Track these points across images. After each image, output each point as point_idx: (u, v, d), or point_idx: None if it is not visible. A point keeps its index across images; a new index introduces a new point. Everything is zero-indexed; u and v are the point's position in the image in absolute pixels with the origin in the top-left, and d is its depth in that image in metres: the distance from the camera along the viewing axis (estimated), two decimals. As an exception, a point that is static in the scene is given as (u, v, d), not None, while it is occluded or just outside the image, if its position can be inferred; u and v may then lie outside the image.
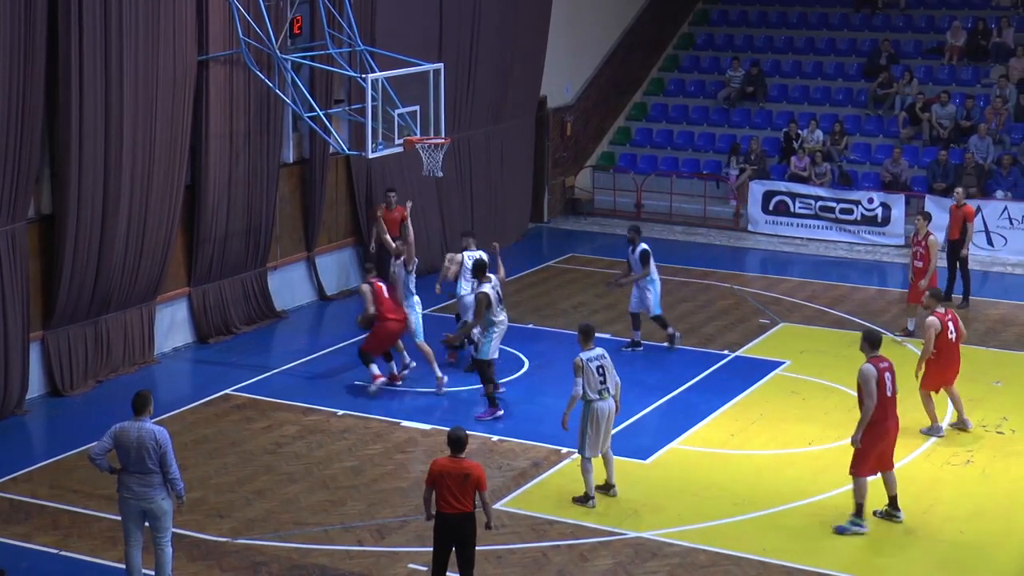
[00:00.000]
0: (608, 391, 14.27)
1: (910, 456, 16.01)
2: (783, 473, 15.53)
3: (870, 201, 27.85)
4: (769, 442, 16.48)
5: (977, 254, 26.51)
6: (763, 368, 19.22)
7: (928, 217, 21.36)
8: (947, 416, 17.04)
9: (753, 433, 16.79)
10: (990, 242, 26.77)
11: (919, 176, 28.42)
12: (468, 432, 12.16)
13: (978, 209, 24.99)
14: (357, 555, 13.30)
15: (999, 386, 18.54)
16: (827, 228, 28.05)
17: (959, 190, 23.55)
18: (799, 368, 19.30)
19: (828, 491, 14.95)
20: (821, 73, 32.15)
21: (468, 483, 11.69)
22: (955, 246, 22.95)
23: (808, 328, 21.42)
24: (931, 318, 16.76)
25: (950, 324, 16.75)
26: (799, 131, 29.75)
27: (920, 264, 20.60)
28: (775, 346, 20.35)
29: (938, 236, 21.13)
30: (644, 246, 19.90)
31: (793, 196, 28.42)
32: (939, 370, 16.76)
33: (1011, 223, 26.67)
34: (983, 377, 18.80)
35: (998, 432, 16.83)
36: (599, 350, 14.40)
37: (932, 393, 16.78)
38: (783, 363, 19.47)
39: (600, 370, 14.22)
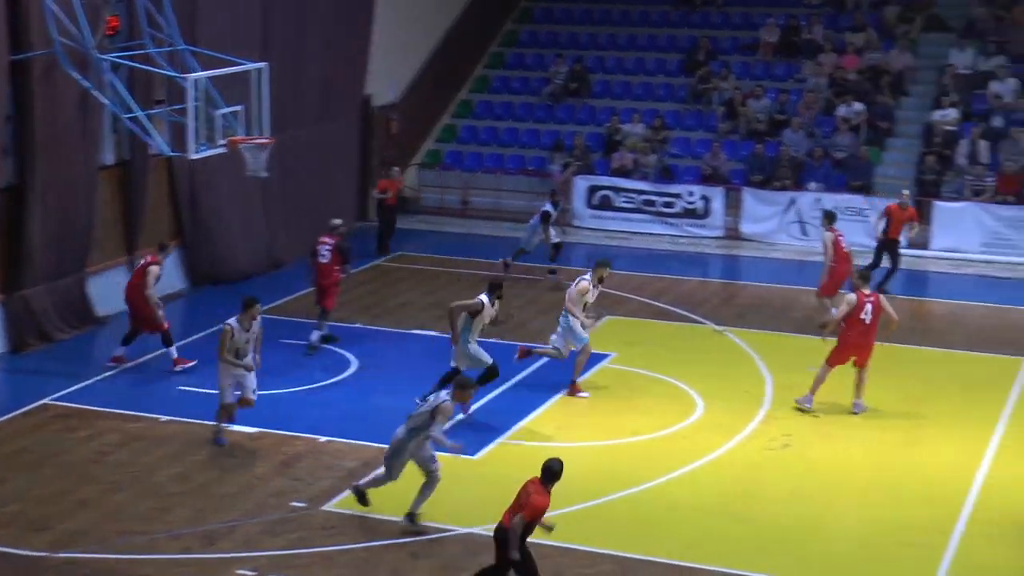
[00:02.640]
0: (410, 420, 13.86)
1: (730, 442, 16.45)
2: (610, 464, 15.81)
3: (691, 194, 28.48)
4: (596, 434, 16.75)
5: (792, 244, 27.35)
6: (590, 361, 19.50)
7: (830, 217, 21.81)
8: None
9: (580, 425, 17.05)
10: (804, 232, 27.59)
11: (737, 169, 29.15)
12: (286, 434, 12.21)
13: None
14: (185, 563, 13.13)
15: (813, 371, 19.15)
16: (650, 221, 28.59)
17: (906, 192, 24.29)
18: (626, 360, 19.65)
19: (653, 479, 15.27)
20: (643, 69, 32.72)
21: (518, 501, 11.79)
22: (892, 243, 23.61)
23: (634, 320, 21.82)
24: (851, 295, 17.50)
25: (868, 306, 17.32)
26: (620, 126, 30.26)
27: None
28: (602, 339, 20.64)
29: (830, 235, 21.27)
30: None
31: (617, 190, 28.89)
32: (845, 348, 17.47)
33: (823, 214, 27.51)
34: (798, 363, 19.41)
35: (813, 415, 17.39)
36: (440, 394, 13.78)
37: (836, 367, 17.54)
38: (610, 355, 19.80)
39: (422, 402, 13.94)
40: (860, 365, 17.60)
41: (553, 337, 18.46)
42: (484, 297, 17.26)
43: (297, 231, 24.81)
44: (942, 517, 14.29)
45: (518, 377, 18.73)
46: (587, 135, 30.45)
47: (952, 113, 28.80)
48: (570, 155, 29.87)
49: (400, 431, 13.78)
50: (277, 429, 16.57)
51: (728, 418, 17.24)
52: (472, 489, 15.00)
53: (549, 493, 11.79)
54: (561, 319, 18.37)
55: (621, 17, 34.13)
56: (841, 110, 29.46)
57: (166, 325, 19.09)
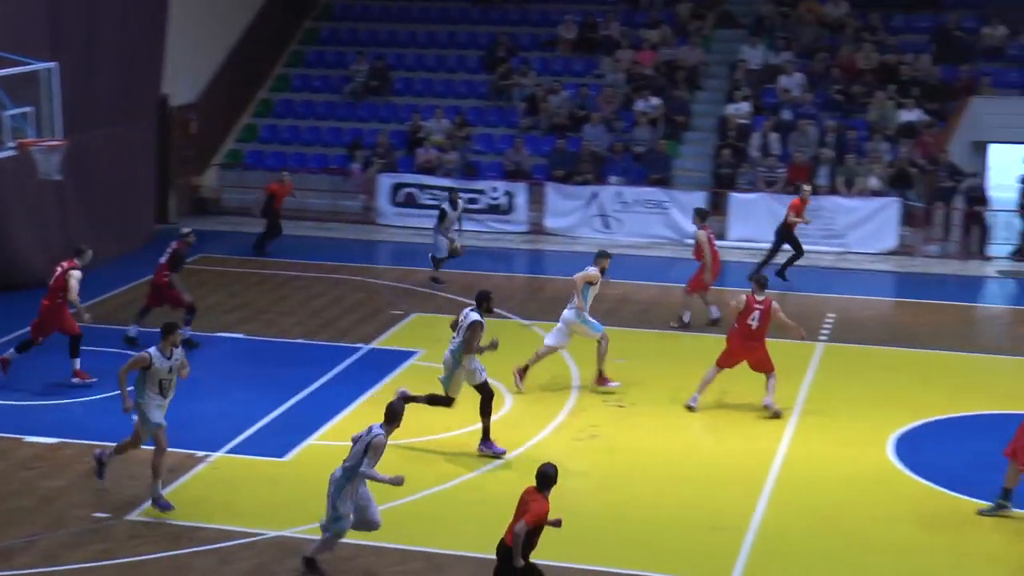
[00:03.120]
0: (345, 463, 12.66)
1: (539, 435, 16.64)
2: (420, 460, 15.82)
3: (495, 190, 28.69)
4: (407, 431, 16.72)
5: (595, 237, 27.76)
6: (398, 358, 19.51)
7: (701, 214, 21.82)
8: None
9: (389, 423, 17.02)
10: (607, 226, 28.06)
11: (540, 164, 29.48)
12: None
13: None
14: (-18, 580, 12.69)
15: (620, 363, 19.47)
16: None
17: (807, 188, 24.90)
18: (434, 356, 19.66)
19: (463, 475, 15.35)
20: (443, 66, 32.83)
21: (519, 514, 11.41)
22: (788, 229, 24.19)
23: (441, 317, 21.85)
24: (742, 296, 17.40)
25: (756, 312, 17.21)
26: (422, 123, 30.30)
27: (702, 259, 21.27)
28: (409, 336, 20.69)
29: (704, 233, 21.32)
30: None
31: (421, 187, 28.93)
32: (730, 351, 17.46)
33: (625, 207, 28.03)
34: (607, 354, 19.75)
35: (619, 406, 17.70)
36: (375, 428, 12.63)
37: (727, 369, 17.58)
38: (417, 352, 19.81)
39: (355, 443, 12.69)
40: (757, 370, 17.47)
41: (548, 337, 18.62)
42: (476, 315, 16.04)
43: (95, 234, 24.14)
44: (744, 499, 14.69)
45: (327, 376, 18.59)
46: (390, 133, 30.40)
47: (744, 107, 29.64)
48: (373, 153, 29.78)
49: (336, 472, 12.64)
50: (78, 439, 16.12)
51: (536, 411, 17.43)
52: (281, 491, 14.85)
53: (547, 499, 11.44)
54: (567, 313, 18.32)
55: (420, 14, 34.18)
56: (639, 105, 30.05)
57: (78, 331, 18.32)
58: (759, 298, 17.40)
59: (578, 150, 29.16)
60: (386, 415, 12.70)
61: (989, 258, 27.31)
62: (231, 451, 15.97)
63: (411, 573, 12.95)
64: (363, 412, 17.40)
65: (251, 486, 15.03)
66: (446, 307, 22.43)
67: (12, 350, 18.50)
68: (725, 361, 17.60)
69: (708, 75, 31.47)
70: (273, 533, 13.73)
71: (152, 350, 14.22)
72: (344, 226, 28.61)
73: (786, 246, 24.51)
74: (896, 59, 30.17)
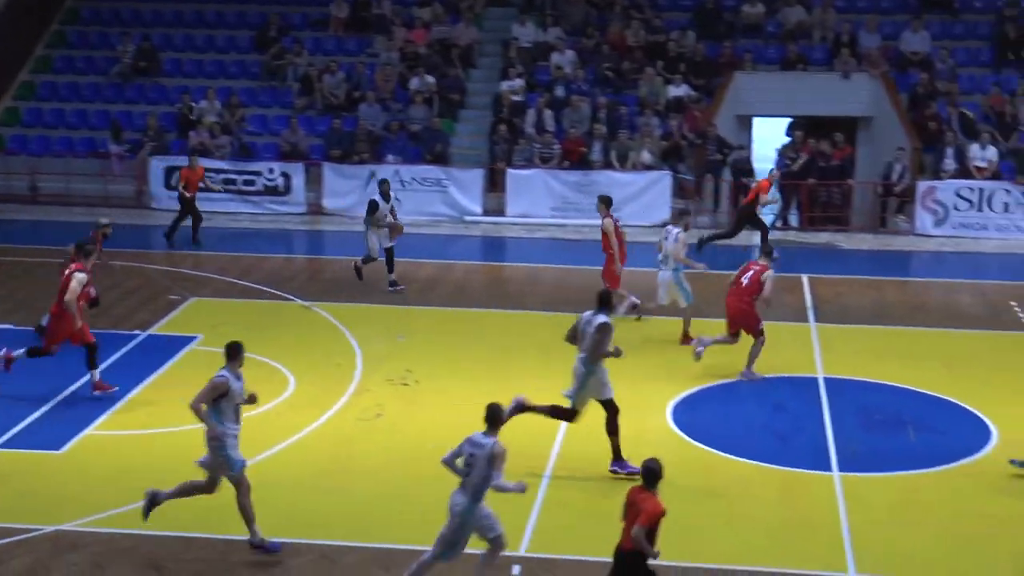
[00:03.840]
0: (466, 485, 11.72)
1: (323, 416, 16.54)
2: (202, 448, 15.50)
3: (271, 171, 28.32)
4: (192, 417, 16.38)
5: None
6: (176, 344, 19.12)
7: (606, 202, 21.07)
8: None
9: (170, 411, 16.65)
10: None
11: (316, 144, 29.23)
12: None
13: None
14: None
15: (402, 340, 19.50)
16: (231, 200, 28.22)
17: (775, 171, 25.40)
18: (212, 342, 19.34)
19: (248, 459, 15.11)
20: (213, 46, 32.21)
21: (634, 514, 10.87)
22: (751, 210, 24.56)
23: (220, 301, 21.51)
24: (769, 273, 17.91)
25: (748, 273, 17.97)
26: (193, 104, 29.68)
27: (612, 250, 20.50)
28: (187, 321, 20.29)
29: (610, 221, 20.60)
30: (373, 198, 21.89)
31: (194, 170, 28.33)
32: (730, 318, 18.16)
33: (403, 185, 28.03)
34: (387, 333, 19.75)
35: (403, 384, 17.72)
36: (484, 439, 11.71)
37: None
38: (196, 337, 19.45)
39: (471, 458, 11.73)
40: (748, 332, 17.98)
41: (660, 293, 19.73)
42: (603, 317, 14.73)
43: None
44: (531, 468, 14.87)
45: (105, 364, 18.06)
46: (160, 115, 29.68)
47: (518, 84, 29.95)
48: (144, 135, 29.04)
49: (459, 499, 11.71)
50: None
51: (320, 393, 17.31)
52: (58, 485, 14.41)
53: (656, 495, 10.95)
54: (671, 275, 19.48)
55: (186, -7, 33.45)
56: (414, 83, 30.05)
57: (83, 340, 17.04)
58: (760, 263, 18.12)
59: (354, 129, 29.00)
60: (489, 419, 11.74)
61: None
62: (2, 445, 15.40)
63: (198, 560, 12.71)
64: (143, 399, 17.00)
65: (24, 480, 14.53)
66: (225, 291, 22.08)
67: (23, 351, 17.30)
68: (734, 324, 18.15)
69: (482, 53, 31.68)
70: (50, 528, 13.31)
71: (226, 373, 12.67)
72: (115, 210, 27.79)
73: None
74: (663, 36, 30.90)
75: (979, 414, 16.83)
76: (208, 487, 12.91)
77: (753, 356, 18.05)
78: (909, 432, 16.32)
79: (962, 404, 17.21)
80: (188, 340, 19.31)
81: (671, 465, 15.06)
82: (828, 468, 15.01)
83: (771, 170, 25.81)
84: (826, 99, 29.44)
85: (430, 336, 19.87)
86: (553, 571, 12.54)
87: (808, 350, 19.47)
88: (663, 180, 28.03)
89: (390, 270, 22.06)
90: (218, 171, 28.20)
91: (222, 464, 12.68)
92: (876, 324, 20.94)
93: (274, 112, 30.53)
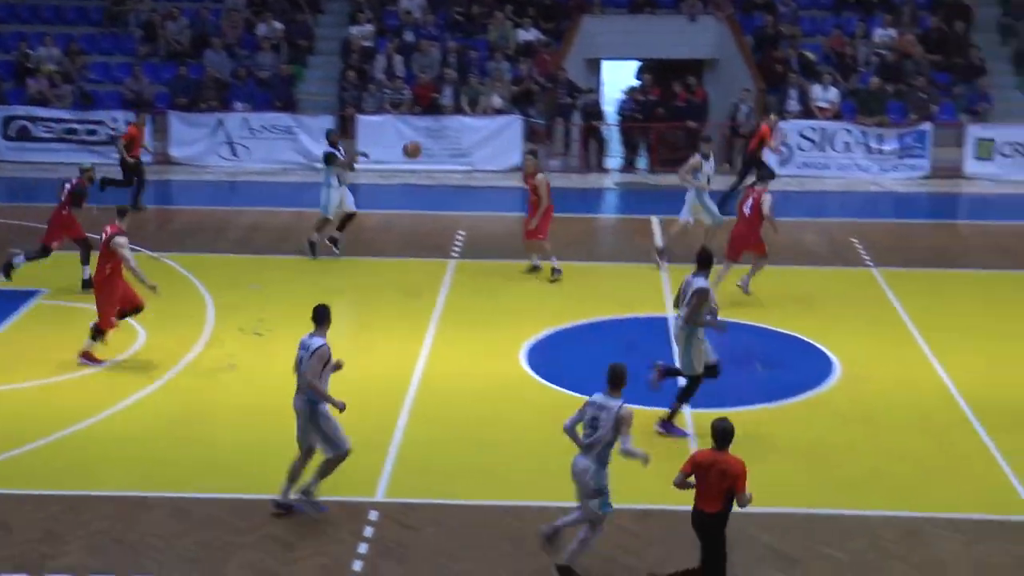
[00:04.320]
0: (590, 445, 11.39)
1: (176, 367, 16.35)
2: (53, 402, 15.25)
3: (114, 120, 27.70)
4: (36, 372, 16.09)
5: (223, 165, 27.37)
6: (20, 299, 18.68)
7: (535, 154, 21.12)
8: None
9: (18, 365, 16.32)
10: (234, 153, 27.63)
11: (161, 92, 28.64)
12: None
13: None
14: None
15: (256, 289, 19.32)
16: (74, 151, 27.53)
17: (773, 116, 25.28)
18: (60, 295, 18.98)
19: (100, 413, 14.90)
20: (50, -9, 31.30)
21: (724, 480, 10.59)
22: (755, 156, 24.42)
23: (65, 255, 21.02)
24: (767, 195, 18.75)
25: (749, 201, 18.79)
26: (30, 51, 28.85)
27: (533, 199, 20.17)
28: (31, 275, 19.79)
29: (543, 176, 20.35)
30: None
31: (34, 120, 27.62)
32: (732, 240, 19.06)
33: (252, 133, 27.67)
34: (238, 282, 19.57)
35: (256, 334, 17.57)
36: (609, 401, 11.39)
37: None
38: (41, 292, 19.04)
39: (594, 421, 11.40)
40: (755, 253, 19.01)
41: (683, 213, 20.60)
42: (702, 280, 14.36)
43: None
44: (385, 417, 14.92)
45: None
46: (-4, 63, 28.81)
47: (367, 29, 29.68)
48: (-21, 85, 28.19)
49: (584, 463, 11.35)
50: None
51: (172, 344, 17.09)
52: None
53: (730, 453, 10.72)
54: (692, 194, 20.50)
55: (22, -64, 32.37)
56: (261, 29, 29.59)
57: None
58: (757, 188, 19.05)
59: (200, 77, 28.48)
60: (612, 380, 11.41)
61: (607, 170, 28.58)
62: None
63: (50, 518, 12.50)
64: (-14, 357, 16.63)
65: None
66: (71, 244, 21.57)
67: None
68: (736, 250, 18.98)
69: (329, -2, 31.31)
70: None
71: (324, 340, 12.29)
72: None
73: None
74: (512, -21, 30.86)
75: (823, 348, 17.32)
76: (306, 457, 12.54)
77: (755, 270, 19.01)
78: (757, 368, 16.72)
79: (807, 339, 17.68)
80: (32, 294, 18.88)
81: (527, 408, 15.32)
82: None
83: (770, 115, 25.51)
84: (673, 42, 29.78)
85: (283, 285, 19.71)
86: (411, 516, 12.61)
87: (658, 290, 19.78)
88: (514, 124, 28.10)
89: (340, 228, 21.29)
90: (59, 120, 27.48)
91: (331, 436, 12.34)
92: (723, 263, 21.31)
93: (117, 59, 29.81)
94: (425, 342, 17.46)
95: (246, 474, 13.51)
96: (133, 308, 16.48)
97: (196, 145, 27.71)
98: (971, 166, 27.65)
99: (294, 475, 12.51)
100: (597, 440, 11.22)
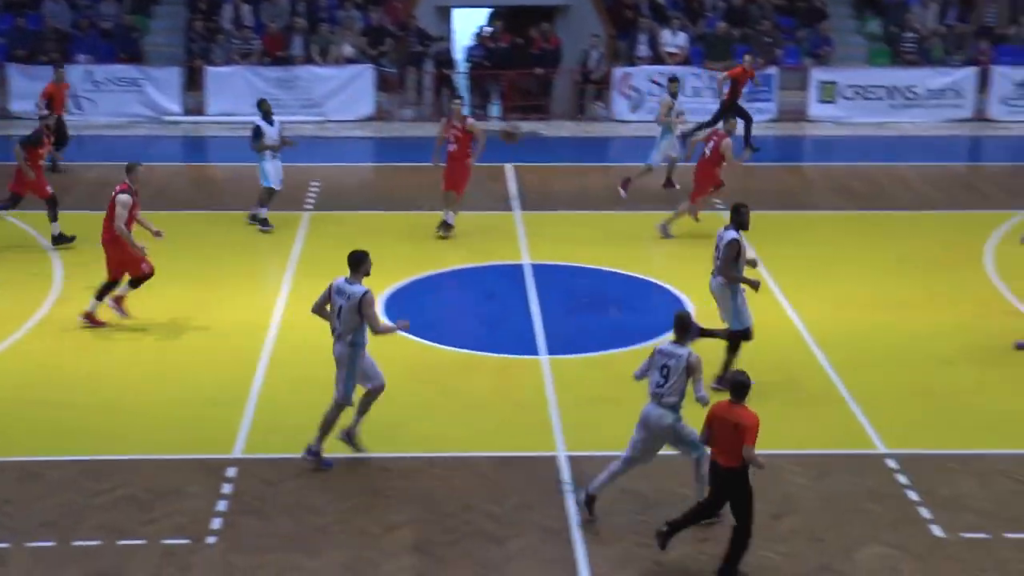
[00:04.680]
0: (663, 397, 11.38)
1: (23, 328, 16.00)
2: None
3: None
4: None
5: (67, 119, 26.64)
6: None
7: (460, 99, 20.95)
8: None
9: None
10: (79, 107, 26.93)
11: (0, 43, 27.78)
12: None
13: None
14: None
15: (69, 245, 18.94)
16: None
17: (748, 56, 25.20)
18: None
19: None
20: None
21: (737, 434, 10.50)
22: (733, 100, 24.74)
23: None
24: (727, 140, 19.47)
25: (710, 143, 19.59)
26: None
27: (455, 148, 19.56)
28: None
29: (475, 121, 20.20)
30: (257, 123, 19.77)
31: None
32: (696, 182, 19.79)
33: (96, 86, 27.00)
34: (89, 239, 19.15)
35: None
36: (677, 349, 11.41)
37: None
38: None
39: (664, 370, 11.41)
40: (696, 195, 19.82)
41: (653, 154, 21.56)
42: (732, 232, 14.31)
43: None
44: (241, 371, 14.79)
45: None
46: None
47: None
48: None
49: (657, 412, 11.37)
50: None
51: (18, 305, 16.68)
52: None
53: (747, 407, 10.72)
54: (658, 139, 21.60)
55: None
56: (100, -21, 28.85)
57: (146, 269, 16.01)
58: (720, 131, 19.74)
59: (40, 28, 27.64)
60: (680, 328, 11.49)
61: (460, 119, 28.49)
62: None
63: None
64: None
65: None
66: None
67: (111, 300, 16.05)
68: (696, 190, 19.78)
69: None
70: None
71: (365, 287, 12.29)
72: None
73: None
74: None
75: (675, 291, 17.60)
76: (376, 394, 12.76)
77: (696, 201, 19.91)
78: (612, 312, 16.94)
79: (660, 282, 17.95)
80: None
81: (385, 359, 15.29)
82: (536, 352, 15.45)
83: (744, 56, 25.32)
84: (525, -12, 29.77)
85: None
86: (271, 471, 12.54)
87: (514, 238, 19.88)
88: (365, 74, 27.87)
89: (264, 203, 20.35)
90: None
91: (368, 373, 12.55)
92: (579, 210, 21.53)
93: (-50, 10, 28.82)
94: (281, 295, 17.31)
95: (98, 435, 13.29)
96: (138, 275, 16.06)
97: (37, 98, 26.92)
98: (815, 109, 28.22)
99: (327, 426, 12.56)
100: (670, 389, 11.34)
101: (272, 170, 19.90)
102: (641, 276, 18.25)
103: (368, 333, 12.37)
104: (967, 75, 28.24)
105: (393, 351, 15.53)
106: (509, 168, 23.83)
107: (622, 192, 21.36)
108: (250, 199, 21.78)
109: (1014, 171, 24.27)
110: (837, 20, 29.86)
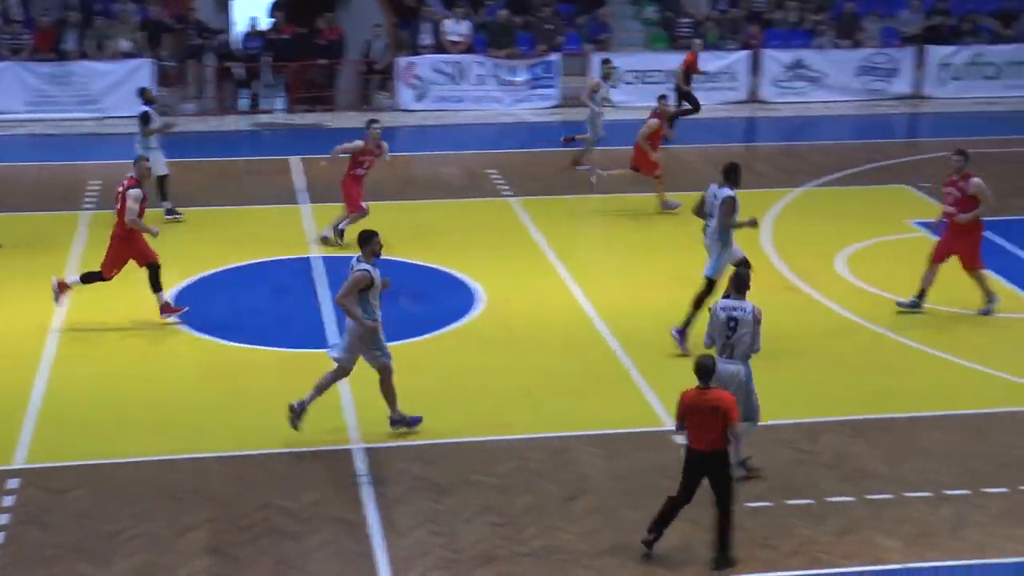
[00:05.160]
0: (735, 348, 11.91)
1: None
2: None
3: None
4: None
5: None
6: None
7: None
8: None
9: None
10: None
11: None
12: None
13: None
14: None
15: None
16: None
17: (698, 41, 26.62)
18: None
19: None
20: None
21: (716, 416, 10.63)
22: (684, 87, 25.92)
23: None
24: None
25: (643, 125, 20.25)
26: None
27: (363, 172, 19.00)
28: None
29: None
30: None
31: None
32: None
33: None
34: None
35: None
36: (741, 302, 11.98)
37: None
38: None
39: (731, 322, 11.91)
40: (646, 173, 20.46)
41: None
42: (727, 190, 14.71)
43: None
44: (21, 378, 14.31)
45: None
46: None
47: (-24, -30, 28.06)
48: None
49: (733, 367, 11.82)
50: None
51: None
52: None
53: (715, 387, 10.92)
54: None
55: None
56: None
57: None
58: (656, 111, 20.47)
59: None
60: (738, 285, 12.09)
61: (242, 112, 28.08)
62: None
63: None
64: None
65: None
66: None
67: (76, 277, 16.17)
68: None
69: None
70: None
71: (366, 265, 12.69)
72: None
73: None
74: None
75: (466, 278, 17.70)
76: (342, 374, 13.05)
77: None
78: (404, 303, 16.93)
79: (450, 271, 18.03)
80: None
81: (175, 358, 15.01)
82: (326, 346, 15.34)
83: (693, 42, 26.80)
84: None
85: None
86: (56, 479, 12.17)
87: (301, 231, 19.70)
88: (144, 68, 27.17)
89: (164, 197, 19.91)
90: None
91: (376, 355, 12.84)
92: (369, 201, 21.40)
93: None
94: (61, 302, 16.77)
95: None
96: (149, 264, 15.96)
97: None
98: (598, 94, 28.65)
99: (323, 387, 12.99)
100: (739, 340, 11.85)
101: (156, 159, 19.34)
102: (428, 264, 18.28)
103: (379, 310, 12.80)
104: (740, 58, 29.10)
105: (182, 350, 15.28)
106: (295, 161, 23.60)
107: (592, 179, 21.24)
108: (23, 199, 21.11)
109: (787, 150, 25.12)
110: (615, 6, 30.41)
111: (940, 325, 16.13)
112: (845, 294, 17.09)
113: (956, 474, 12.43)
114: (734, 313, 11.93)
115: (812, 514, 11.69)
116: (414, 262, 18.38)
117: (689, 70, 25.88)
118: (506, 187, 22.15)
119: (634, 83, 28.61)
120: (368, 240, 12.78)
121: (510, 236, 19.64)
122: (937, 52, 29.33)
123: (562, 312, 16.59)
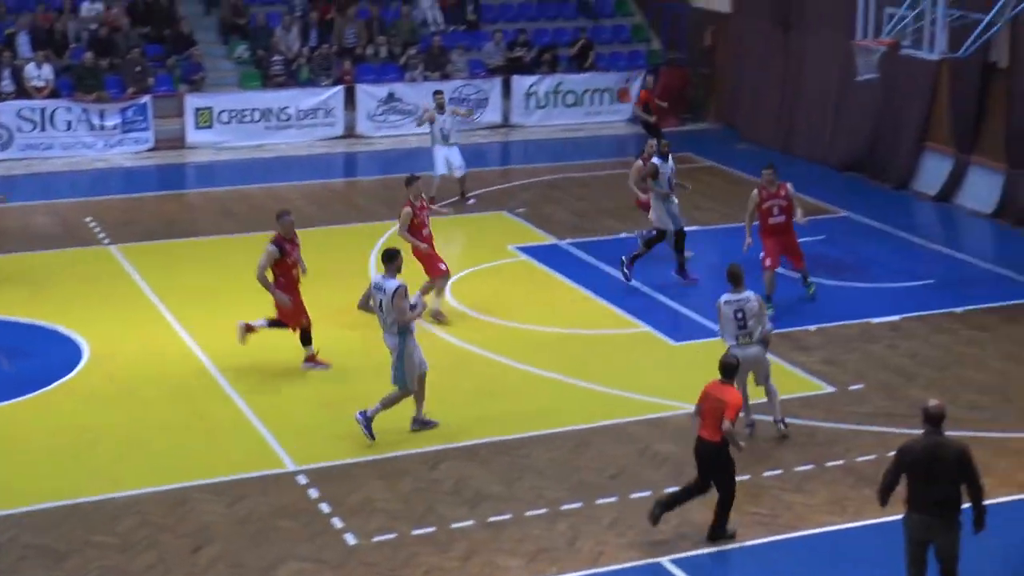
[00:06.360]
0: (751, 336, 13.53)
1: None
2: None
3: None
4: None
5: None
6: None
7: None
8: None
9: None
10: None
11: None
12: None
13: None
14: None
15: None
16: None
17: (650, 77, 27.56)
18: None
19: None
20: None
21: (720, 410, 11.42)
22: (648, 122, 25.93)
23: None
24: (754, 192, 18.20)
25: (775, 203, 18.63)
26: None
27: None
28: None
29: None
30: None
31: None
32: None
33: None
34: None
35: None
36: (746, 293, 13.58)
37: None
38: None
39: (739, 314, 13.47)
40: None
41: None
42: (659, 160, 18.75)
43: None
44: None
45: None
46: None
47: None
48: None
49: (752, 350, 13.50)
50: None
51: None
52: None
53: (734, 386, 11.80)
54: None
55: None
56: None
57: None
58: (772, 190, 17.87)
59: None
60: (736, 279, 13.52)
61: None
62: None
63: None
64: None
65: None
66: None
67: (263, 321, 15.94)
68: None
69: None
70: None
71: (398, 281, 13.61)
72: None
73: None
74: None
75: (68, 332, 17.04)
76: (406, 393, 13.86)
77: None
78: (1, 362, 16.13)
79: (50, 325, 17.31)
80: None
81: None
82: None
83: (646, 78, 27.94)
84: None
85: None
86: None
87: None
88: None
89: None
90: None
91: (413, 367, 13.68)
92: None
93: None
94: None
95: None
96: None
97: None
98: (193, 135, 28.21)
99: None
100: (754, 327, 13.42)
101: None
102: (25, 319, 17.47)
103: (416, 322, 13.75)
104: (335, 93, 29.36)
105: None
106: None
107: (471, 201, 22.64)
108: None
109: (385, 183, 25.49)
110: (205, 46, 30.03)
111: (551, 346, 16.83)
112: (458, 324, 17.44)
113: (568, 489, 13.00)
114: (743, 306, 13.47)
115: (436, 542, 11.95)
116: (10, 318, 17.53)
117: (648, 104, 26.19)
118: (104, 235, 21.48)
119: (230, 123, 28.35)
120: (394, 257, 13.69)
121: (113, 285, 19.05)
122: (522, 82, 30.57)
123: (173, 359, 16.25)
